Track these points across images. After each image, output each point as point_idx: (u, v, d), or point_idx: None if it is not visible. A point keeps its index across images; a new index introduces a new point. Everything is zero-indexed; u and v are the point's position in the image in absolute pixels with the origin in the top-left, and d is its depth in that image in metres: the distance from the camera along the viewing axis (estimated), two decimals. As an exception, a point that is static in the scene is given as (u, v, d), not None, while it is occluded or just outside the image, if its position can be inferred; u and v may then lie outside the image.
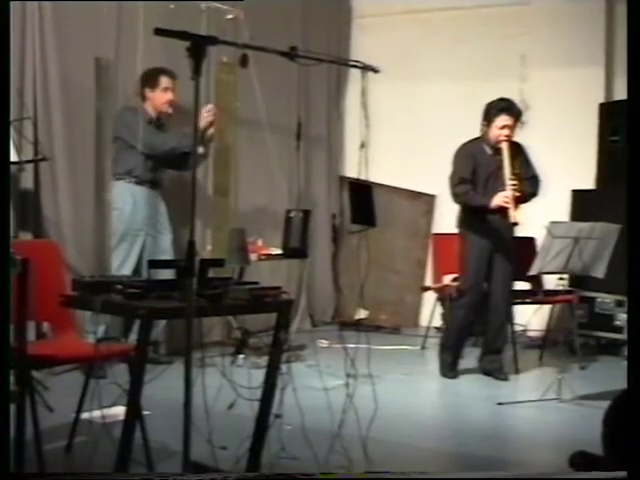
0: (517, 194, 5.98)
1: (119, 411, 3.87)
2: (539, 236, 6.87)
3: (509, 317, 6.63)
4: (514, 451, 4.71)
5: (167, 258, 6.13)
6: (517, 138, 7.98)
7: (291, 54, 3.34)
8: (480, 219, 6.20)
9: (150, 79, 6.27)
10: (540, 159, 7.79)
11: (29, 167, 5.74)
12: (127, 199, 6.17)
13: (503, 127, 6.12)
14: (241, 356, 6.27)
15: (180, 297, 3.23)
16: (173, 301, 3.31)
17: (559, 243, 5.55)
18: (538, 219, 6.47)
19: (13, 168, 5.57)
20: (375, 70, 3.63)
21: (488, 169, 6.20)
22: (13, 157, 5.43)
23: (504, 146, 6.08)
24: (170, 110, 6.35)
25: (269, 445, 3.93)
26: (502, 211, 6.00)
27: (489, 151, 6.23)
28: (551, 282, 7.04)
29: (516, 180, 6.03)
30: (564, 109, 7.98)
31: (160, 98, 6.31)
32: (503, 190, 6.03)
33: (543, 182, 6.84)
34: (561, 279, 6.20)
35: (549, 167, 7.77)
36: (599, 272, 5.75)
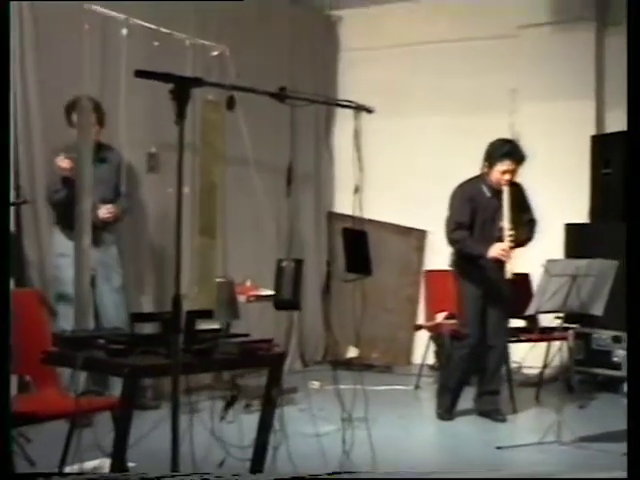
0: (513, 245, 5.85)
1: (104, 464, 3.71)
2: (533, 271, 6.77)
3: (505, 357, 6.49)
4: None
5: (119, 300, 6.00)
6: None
7: (281, 95, 3.21)
8: (473, 265, 6.06)
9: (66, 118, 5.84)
10: (532, 193, 7.70)
11: (11, 211, 5.61)
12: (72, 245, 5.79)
13: (505, 172, 5.96)
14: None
15: (166, 353, 3.07)
16: (159, 357, 3.15)
17: (556, 281, 5.40)
18: (532, 254, 6.35)
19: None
20: (369, 110, 3.50)
21: (486, 212, 6.05)
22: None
23: (505, 191, 5.93)
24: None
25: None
26: (498, 263, 5.88)
27: (488, 193, 6.07)
28: (547, 317, 6.91)
29: (514, 229, 5.88)
30: (555, 142, 7.88)
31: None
32: (500, 235, 5.90)
33: (536, 215, 6.75)
34: (558, 317, 6.06)
35: (541, 201, 7.65)
36: (597, 310, 5.61)
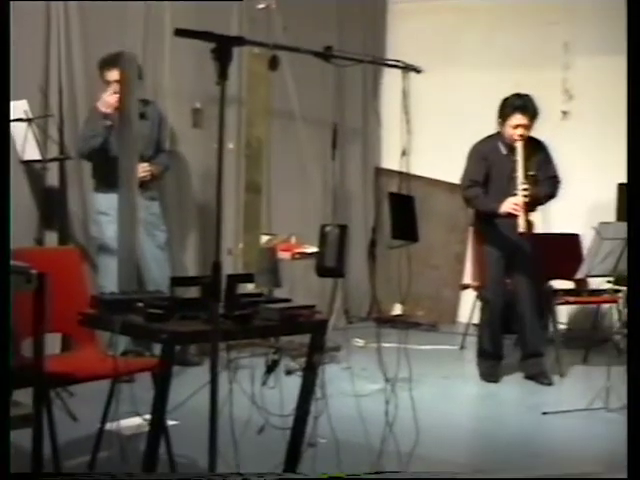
0: (527, 200, 5.74)
1: (145, 422, 3.68)
2: (582, 232, 6.64)
3: (548, 318, 6.39)
4: (561, 470, 4.45)
5: (162, 257, 5.95)
6: (561, 128, 7.74)
7: (326, 54, 3.10)
8: (491, 225, 5.99)
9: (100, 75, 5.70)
10: (585, 151, 7.53)
11: (54, 166, 5.59)
12: (112, 203, 5.67)
13: (517, 127, 5.85)
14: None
15: (206, 318, 3.01)
16: (198, 322, 3.09)
17: (608, 245, 5.26)
18: (583, 214, 6.22)
19: (37, 167, 5.44)
20: (417, 70, 3.37)
21: (502, 170, 5.95)
22: (37, 156, 5.30)
23: (518, 146, 5.83)
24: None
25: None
26: (511, 218, 5.77)
27: (504, 150, 5.98)
28: (596, 279, 6.78)
29: (529, 184, 5.78)
30: (610, 98, 7.65)
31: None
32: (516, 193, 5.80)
33: (588, 176, 6.60)
34: (609, 282, 5.94)
35: (595, 160, 7.51)
36: (650, 273, 5.46)
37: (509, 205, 5.75)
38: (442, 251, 8.61)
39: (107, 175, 5.66)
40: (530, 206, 5.82)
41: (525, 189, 5.74)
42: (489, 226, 6.01)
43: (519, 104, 5.88)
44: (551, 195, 6.04)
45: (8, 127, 3.18)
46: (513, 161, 5.84)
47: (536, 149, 5.98)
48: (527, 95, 5.97)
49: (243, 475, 3.02)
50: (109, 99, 5.53)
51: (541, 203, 6.03)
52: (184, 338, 3.30)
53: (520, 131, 5.85)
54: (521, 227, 5.71)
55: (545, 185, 5.99)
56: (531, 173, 5.84)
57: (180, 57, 6.00)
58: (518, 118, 5.85)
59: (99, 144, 5.63)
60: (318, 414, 3.44)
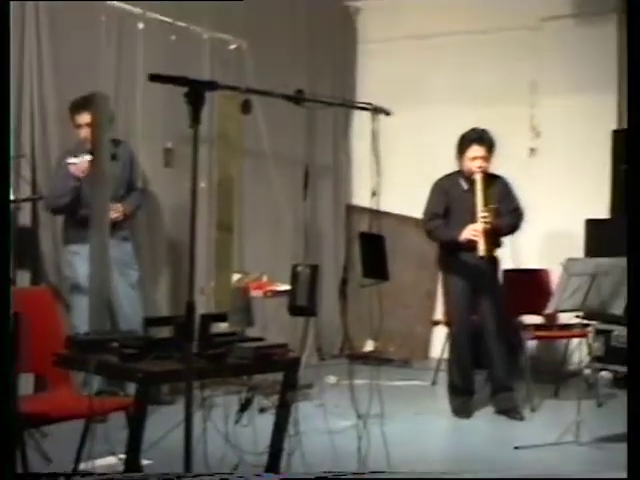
0: (487, 227, 5.81)
1: (119, 461, 3.69)
2: (551, 267, 6.72)
3: (518, 352, 6.44)
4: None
5: (134, 296, 5.95)
6: (528, 164, 7.86)
7: (297, 98, 3.16)
8: (455, 256, 6.04)
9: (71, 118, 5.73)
10: (552, 188, 7.65)
11: (27, 206, 5.61)
12: (85, 245, 5.64)
13: (475, 158, 5.96)
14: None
15: (179, 358, 3.03)
16: (172, 362, 3.12)
17: (576, 280, 5.32)
18: (552, 250, 6.29)
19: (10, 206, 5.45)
20: (387, 112, 3.44)
21: (463, 204, 6.01)
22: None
23: (477, 178, 5.92)
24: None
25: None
26: (472, 245, 5.83)
27: (465, 185, 6.07)
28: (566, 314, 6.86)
29: (489, 213, 5.86)
30: (576, 136, 7.79)
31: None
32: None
33: (555, 212, 6.66)
34: (577, 317, 6.01)
35: (561, 196, 7.62)
36: (618, 308, 5.52)
37: (469, 231, 5.82)
38: (413, 288, 8.65)
39: (77, 229, 5.67)
40: (492, 237, 5.88)
41: (484, 217, 5.82)
42: (452, 257, 6.06)
43: (475, 136, 6.00)
44: (514, 226, 6.11)
45: (8, 129, 3.18)
46: (473, 194, 5.92)
47: (496, 183, 6.08)
48: (483, 129, 6.08)
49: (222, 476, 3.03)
50: (82, 165, 5.53)
51: (504, 234, 6.08)
52: (159, 377, 3.32)
53: (478, 163, 5.95)
54: (480, 251, 5.77)
55: (507, 217, 6.06)
56: (492, 206, 5.91)
57: (151, 97, 6.04)
58: (475, 149, 5.96)
59: (68, 202, 5.67)
60: (291, 451, 3.48)
